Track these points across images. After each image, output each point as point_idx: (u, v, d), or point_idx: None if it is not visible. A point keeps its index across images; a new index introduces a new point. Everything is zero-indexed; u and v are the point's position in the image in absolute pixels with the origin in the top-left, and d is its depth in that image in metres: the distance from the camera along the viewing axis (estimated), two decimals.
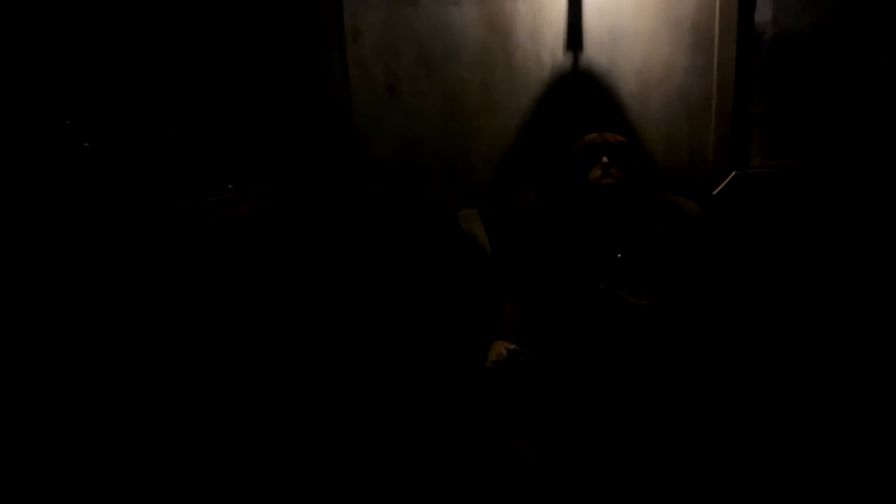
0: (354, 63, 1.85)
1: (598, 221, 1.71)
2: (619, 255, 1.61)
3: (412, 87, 1.90)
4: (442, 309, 1.94)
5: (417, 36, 1.88)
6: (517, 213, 1.90)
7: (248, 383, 1.66)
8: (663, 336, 1.57)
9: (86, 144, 1.35)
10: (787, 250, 2.15)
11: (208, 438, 1.60)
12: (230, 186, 1.51)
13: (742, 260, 2.09)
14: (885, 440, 1.63)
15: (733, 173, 2.09)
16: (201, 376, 1.57)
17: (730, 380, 1.63)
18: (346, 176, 1.83)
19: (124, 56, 1.47)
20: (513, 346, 1.54)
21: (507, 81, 1.97)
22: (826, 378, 1.90)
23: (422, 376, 1.90)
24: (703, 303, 1.70)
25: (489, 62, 1.95)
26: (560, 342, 1.59)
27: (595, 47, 2.00)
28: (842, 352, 2.01)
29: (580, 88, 2.01)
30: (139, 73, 1.49)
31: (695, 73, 2.05)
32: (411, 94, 1.90)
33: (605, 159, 1.69)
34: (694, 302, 1.67)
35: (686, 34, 2.03)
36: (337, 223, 1.83)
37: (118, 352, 1.43)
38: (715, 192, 2.10)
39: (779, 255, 2.14)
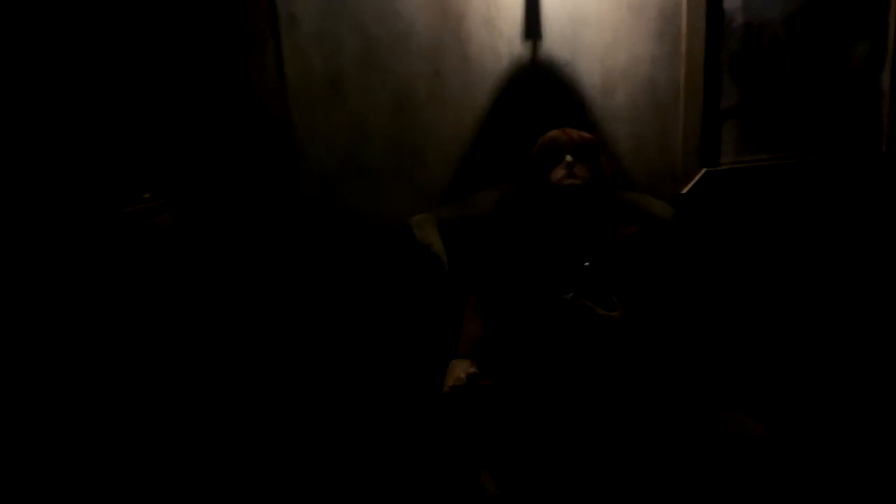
0: (291, 54, 1.68)
1: (563, 226, 1.61)
2: (587, 264, 1.50)
3: (357, 81, 1.76)
4: (392, 327, 1.82)
5: (362, 23, 1.74)
6: (476, 217, 1.79)
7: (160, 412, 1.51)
8: (635, 351, 1.47)
9: None
10: (763, 253, 2.06)
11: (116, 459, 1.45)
12: (147, 195, 1.35)
13: (715, 265, 2.01)
14: (868, 455, 1.58)
15: (703, 170, 2.00)
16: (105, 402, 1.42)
17: (704, 397, 1.55)
18: (283, 180, 1.69)
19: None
20: (472, 370, 1.41)
21: (462, 73, 1.84)
22: (809, 390, 1.85)
23: (370, 404, 1.77)
24: (676, 313, 1.60)
25: (441, 52, 1.82)
26: (523, 360, 1.48)
27: (555, 36, 1.89)
28: (825, 361, 1.96)
29: (540, 81, 1.90)
30: (24, 65, 1.30)
31: (662, 63, 1.95)
32: (356, 88, 1.76)
33: (568, 158, 1.59)
34: (667, 312, 1.57)
35: (652, 21, 1.93)
36: (270, 234, 1.68)
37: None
38: (684, 192, 2.00)
39: (754, 258, 2.05)
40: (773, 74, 2.04)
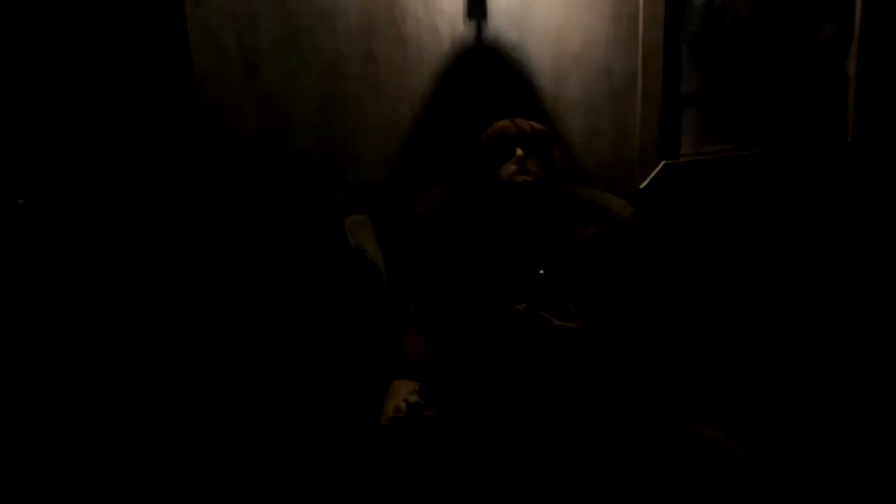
0: (198, 33, 1.50)
1: (514, 228, 1.48)
2: (542, 272, 1.37)
3: (277, 64, 1.59)
4: (323, 342, 1.66)
5: None
6: (417, 218, 1.64)
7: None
8: (595, 364, 1.35)
9: None
10: (726, 251, 2.00)
11: None
12: (20, 201, 1.15)
13: (677, 266, 1.93)
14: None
15: (662, 163, 1.91)
16: None
17: (672, 411, 1.46)
18: (192, 179, 1.50)
19: None
20: (414, 398, 1.26)
21: (398, 56, 1.69)
22: (779, 398, 1.79)
23: (294, 437, 1.61)
24: (638, 320, 1.50)
25: (374, 32, 1.66)
26: (472, 381, 1.35)
27: (502, 16, 1.74)
28: (799, 366, 1.90)
29: (486, 65, 1.76)
30: None
31: (618, 46, 1.83)
32: (276, 72, 1.59)
33: (519, 152, 1.46)
34: (628, 320, 1.47)
35: (607, 0, 1.81)
36: (177, 243, 1.50)
37: None
38: (642, 186, 1.91)
39: (717, 258, 1.99)
40: (735, 58, 1.96)
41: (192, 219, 1.56)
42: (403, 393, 1.33)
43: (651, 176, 1.91)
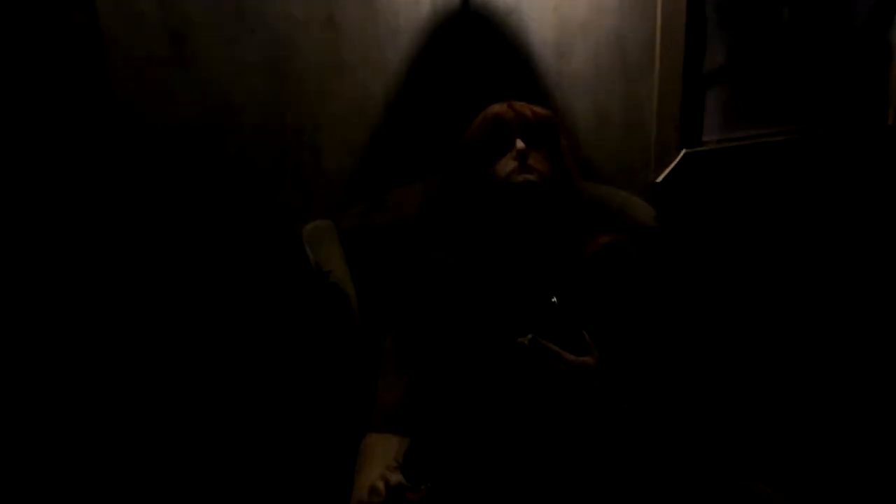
0: None
1: (515, 239, 1.28)
2: (555, 300, 1.16)
3: (211, 33, 1.34)
4: (272, 390, 1.43)
5: None
6: (394, 226, 1.42)
7: None
8: (618, 409, 1.15)
9: None
10: (759, 253, 1.87)
11: None
12: None
13: (706, 280, 1.78)
14: None
15: (683, 152, 1.77)
16: None
17: (713, 462, 1.27)
18: (103, 177, 1.24)
19: None
20: (396, 478, 1.02)
21: (367, 24, 1.47)
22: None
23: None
24: (669, 351, 1.31)
25: None
26: (469, 443, 1.14)
27: None
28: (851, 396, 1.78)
29: (475, 35, 1.57)
30: None
31: (632, 13, 1.68)
32: (210, 43, 1.34)
33: (519, 144, 1.25)
34: (657, 351, 1.27)
35: None
36: (83, 256, 1.26)
37: None
38: (659, 180, 1.76)
39: (747, 262, 1.86)
40: (767, 26, 1.86)
41: (108, 228, 1.30)
42: (380, 463, 1.12)
43: (670, 167, 1.76)
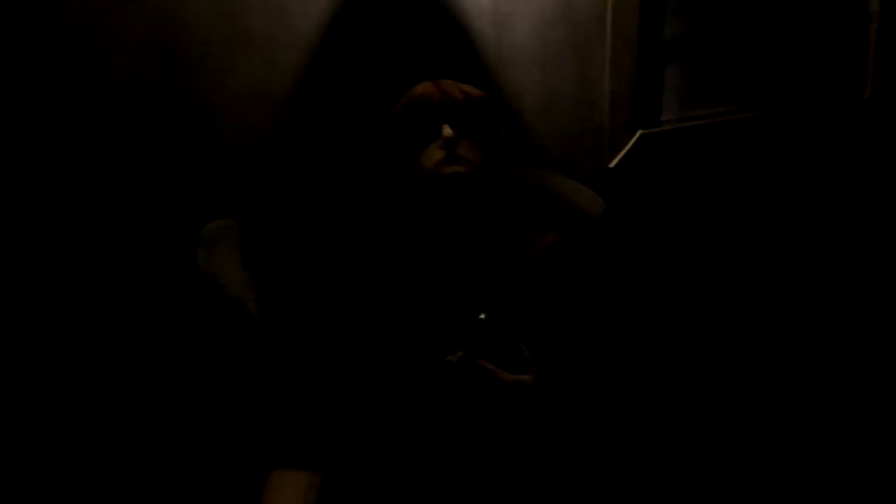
0: None
1: (443, 240, 1.17)
2: (483, 316, 1.06)
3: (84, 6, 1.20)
4: (160, 423, 1.31)
5: None
6: (306, 224, 1.30)
7: None
8: (563, 430, 1.08)
9: None
10: (725, 244, 1.81)
11: None
12: None
13: (665, 279, 1.72)
14: None
15: (639, 133, 1.70)
16: None
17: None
18: None
19: None
20: None
21: None
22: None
23: None
24: (621, 364, 1.21)
25: None
26: (390, 468, 1.06)
27: None
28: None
29: (400, 2, 1.45)
30: None
31: None
32: (77, 13, 1.20)
33: (447, 130, 1.13)
34: (607, 365, 1.18)
35: None
36: None
37: None
38: (613, 164, 1.67)
39: (712, 254, 1.79)
40: None
41: None
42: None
43: (624, 150, 1.70)
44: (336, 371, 1.15)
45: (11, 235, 1.22)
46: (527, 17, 1.57)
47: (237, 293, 1.15)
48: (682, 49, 1.84)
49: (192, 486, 1.27)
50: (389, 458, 1.06)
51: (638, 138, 1.70)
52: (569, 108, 1.66)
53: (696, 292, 1.79)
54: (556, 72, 1.63)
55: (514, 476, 1.04)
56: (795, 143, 1.88)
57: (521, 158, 1.36)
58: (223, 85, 1.33)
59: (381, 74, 1.40)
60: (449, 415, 1.06)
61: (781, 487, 1.46)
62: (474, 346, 1.04)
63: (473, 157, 1.16)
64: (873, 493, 1.47)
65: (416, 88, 1.21)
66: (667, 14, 1.76)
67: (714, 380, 1.70)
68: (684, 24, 1.81)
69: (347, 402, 1.12)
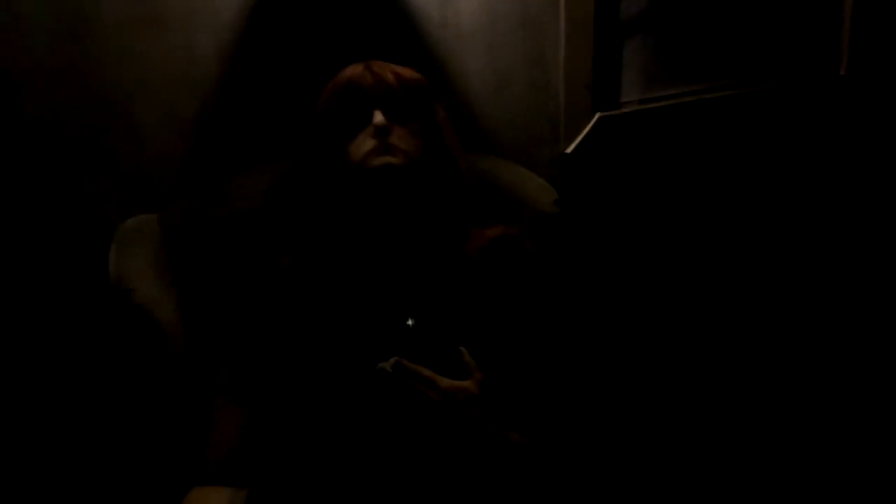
0: None
1: (378, 239, 1.12)
2: (411, 322, 1.02)
3: None
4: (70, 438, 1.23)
5: None
6: (232, 223, 1.22)
7: None
8: (503, 440, 1.01)
9: None
10: (691, 236, 1.75)
11: None
12: None
13: (620, 275, 1.65)
14: None
15: (597, 116, 1.63)
16: None
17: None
18: None
19: None
20: None
21: None
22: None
23: None
24: (570, 367, 1.16)
25: None
26: (319, 484, 1.00)
27: None
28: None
29: None
30: None
31: None
32: None
33: (378, 118, 1.07)
34: (555, 368, 1.13)
35: None
36: None
37: None
38: (570, 150, 1.61)
39: (677, 247, 1.72)
40: None
41: None
42: None
43: (582, 134, 1.63)
44: (262, 381, 1.08)
45: None
46: None
47: (146, 299, 1.07)
48: (642, 25, 1.78)
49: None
50: (319, 471, 0.99)
51: (596, 121, 1.64)
52: (521, 91, 1.60)
53: (658, 288, 1.73)
54: (507, 52, 1.56)
55: (450, 483, 0.99)
56: (767, 124, 1.83)
57: (468, 145, 1.28)
58: (139, 70, 1.24)
59: (313, 57, 1.32)
60: (384, 425, 1.00)
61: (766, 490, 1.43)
62: (410, 352, 0.99)
63: (408, 146, 1.10)
64: (873, 493, 1.45)
65: (345, 71, 1.14)
66: None
67: (673, 381, 1.65)
68: None
69: (274, 414, 1.06)
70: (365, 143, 1.07)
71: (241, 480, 1.02)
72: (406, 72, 1.15)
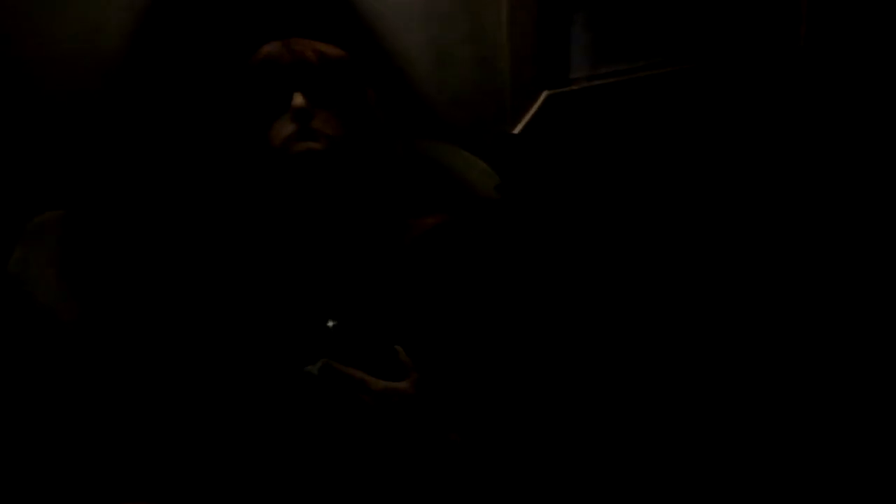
0: None
1: (301, 231, 1.06)
2: (332, 324, 0.98)
3: None
4: None
5: None
6: (145, 216, 1.14)
7: None
8: (443, 441, 0.97)
9: None
10: (649, 220, 1.68)
11: None
12: None
13: (571, 265, 1.58)
14: None
15: (545, 94, 1.58)
16: None
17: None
18: None
19: None
20: None
21: None
22: None
23: None
24: (513, 364, 1.10)
25: None
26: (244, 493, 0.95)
27: None
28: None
29: None
30: None
31: None
32: None
33: (297, 100, 1.02)
34: (497, 366, 1.07)
35: None
36: None
37: None
38: (517, 130, 1.56)
39: (634, 233, 1.66)
40: None
41: None
42: None
43: (529, 114, 1.58)
44: (182, 386, 1.01)
45: None
46: None
47: (48, 299, 1.00)
48: None
49: None
50: (240, 485, 0.94)
51: (544, 100, 1.60)
52: (464, 69, 1.55)
53: (610, 278, 1.70)
54: (448, 25, 1.50)
55: (386, 491, 0.94)
56: (724, 99, 1.79)
57: (409, 129, 1.24)
58: (38, 44, 1.17)
59: (230, 33, 1.20)
60: (313, 432, 0.95)
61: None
62: (340, 353, 0.94)
63: (332, 130, 1.04)
64: (873, 494, 1.45)
65: (262, 50, 1.07)
66: None
67: (622, 374, 1.62)
68: None
69: (192, 424, 0.99)
70: (284, 128, 1.01)
71: (157, 499, 0.96)
72: (330, 49, 1.09)
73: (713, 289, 1.72)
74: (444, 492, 0.94)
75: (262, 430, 0.94)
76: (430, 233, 1.09)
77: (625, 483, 1.22)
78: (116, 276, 1.08)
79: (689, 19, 1.77)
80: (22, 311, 1.01)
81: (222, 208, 1.06)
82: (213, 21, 1.26)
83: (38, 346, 1.00)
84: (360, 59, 1.12)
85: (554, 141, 1.60)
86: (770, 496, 1.30)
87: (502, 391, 1.07)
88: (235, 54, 1.09)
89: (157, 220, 1.11)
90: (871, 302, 1.65)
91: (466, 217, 1.15)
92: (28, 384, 1.01)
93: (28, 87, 1.17)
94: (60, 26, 1.17)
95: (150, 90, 1.24)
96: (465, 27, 1.52)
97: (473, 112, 1.56)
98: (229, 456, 0.94)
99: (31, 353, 1.01)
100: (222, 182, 1.07)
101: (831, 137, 1.87)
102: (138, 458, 0.99)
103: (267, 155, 1.00)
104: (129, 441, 1.01)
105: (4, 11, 1.12)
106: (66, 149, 1.20)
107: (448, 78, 1.53)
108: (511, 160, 1.44)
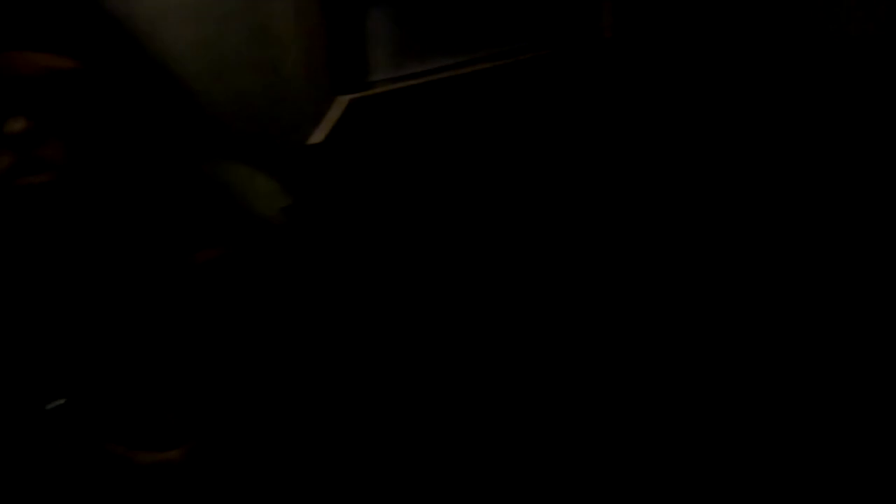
0: None
1: (34, 276, 0.91)
2: (57, 403, 0.84)
3: None
4: None
5: None
6: None
7: None
8: None
9: None
10: (469, 235, 1.61)
11: None
12: None
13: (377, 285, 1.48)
14: None
15: (348, 99, 1.50)
16: None
17: None
18: None
19: None
20: None
21: None
22: None
23: None
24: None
25: None
26: None
27: None
28: None
29: None
30: None
31: None
32: None
33: (16, 125, 0.87)
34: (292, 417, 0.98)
35: None
36: None
37: None
38: (318, 140, 1.44)
39: (448, 252, 1.57)
40: None
41: None
42: None
43: (327, 122, 1.47)
44: None
45: None
46: None
47: None
48: None
49: None
50: None
51: (347, 106, 1.49)
52: (246, 75, 1.42)
53: (426, 304, 1.60)
54: (225, 24, 1.38)
55: None
56: (535, 94, 1.77)
57: (180, 143, 1.09)
58: None
59: None
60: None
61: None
62: (106, 427, 0.84)
63: (62, 158, 0.89)
64: (873, 493, 1.46)
65: None
66: None
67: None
68: None
69: None
70: (2, 158, 0.85)
71: None
72: (58, 62, 0.93)
73: (520, 291, 1.69)
74: None
75: None
76: (199, 269, 0.98)
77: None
78: None
79: (493, 15, 1.73)
80: None
81: None
82: None
83: None
84: (104, 71, 0.97)
85: (358, 150, 1.51)
86: (770, 496, 1.29)
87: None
88: None
89: None
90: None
91: (246, 247, 1.04)
92: None
93: None
94: None
95: None
96: (246, 27, 1.39)
97: (264, 122, 1.44)
98: None
99: None
100: None
101: (639, 126, 1.90)
102: None
103: None
104: None
105: None
106: None
107: (230, 85, 1.41)
108: (307, 174, 1.34)
